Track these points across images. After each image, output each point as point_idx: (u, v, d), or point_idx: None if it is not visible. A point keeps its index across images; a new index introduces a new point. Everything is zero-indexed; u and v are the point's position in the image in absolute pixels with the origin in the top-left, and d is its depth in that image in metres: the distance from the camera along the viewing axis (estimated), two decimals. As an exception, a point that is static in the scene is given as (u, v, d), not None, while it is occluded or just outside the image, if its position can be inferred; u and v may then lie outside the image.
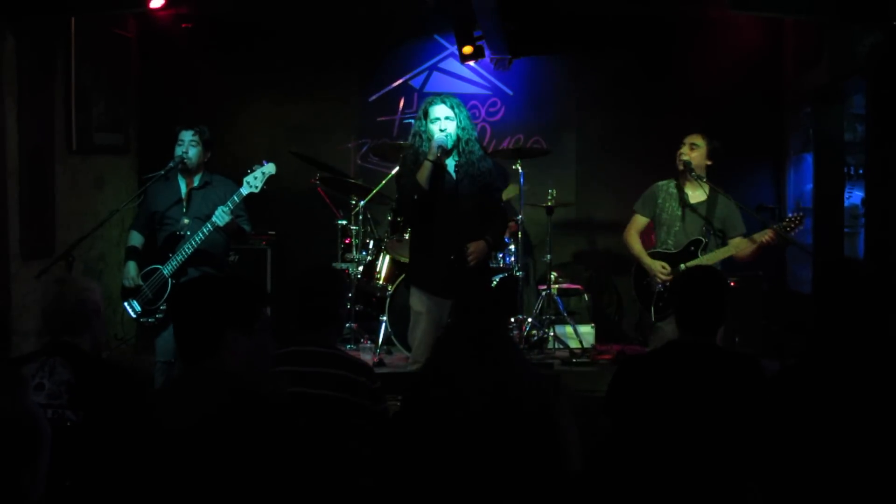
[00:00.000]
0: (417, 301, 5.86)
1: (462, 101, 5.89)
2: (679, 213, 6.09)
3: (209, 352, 2.99)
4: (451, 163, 5.80)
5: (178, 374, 3.32)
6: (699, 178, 6.07)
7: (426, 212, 5.75)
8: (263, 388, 3.06)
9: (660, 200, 6.18)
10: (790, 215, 5.99)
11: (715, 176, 6.22)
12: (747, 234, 5.99)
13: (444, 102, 5.75)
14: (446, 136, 5.67)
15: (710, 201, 6.06)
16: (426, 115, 5.78)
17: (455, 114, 5.73)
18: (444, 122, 5.70)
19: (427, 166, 5.63)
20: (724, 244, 6.01)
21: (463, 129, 5.76)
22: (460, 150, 5.77)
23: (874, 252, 6.64)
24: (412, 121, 6.49)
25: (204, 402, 2.85)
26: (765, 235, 5.87)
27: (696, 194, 6.12)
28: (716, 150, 6.16)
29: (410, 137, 5.94)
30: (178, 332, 3.06)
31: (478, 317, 3.66)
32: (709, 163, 6.16)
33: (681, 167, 6.11)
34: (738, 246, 5.94)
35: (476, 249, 5.77)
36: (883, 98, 6.37)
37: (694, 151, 6.10)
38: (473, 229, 5.80)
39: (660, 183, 6.26)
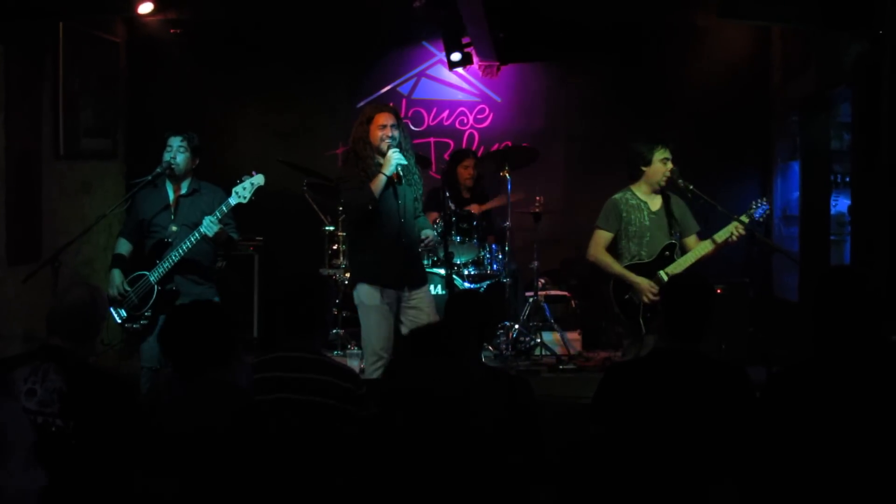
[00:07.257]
0: (366, 295, 5.92)
1: (450, 107, 6.00)
2: (647, 222, 6.09)
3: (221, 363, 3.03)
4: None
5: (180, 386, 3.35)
6: (686, 184, 6.08)
7: (376, 216, 5.90)
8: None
9: (624, 214, 6.15)
10: (752, 203, 6.03)
11: (699, 182, 6.23)
12: (708, 235, 6.04)
13: (389, 110, 5.96)
14: (400, 153, 5.81)
15: (666, 205, 6.10)
16: (370, 121, 5.91)
17: (398, 122, 5.93)
18: (389, 129, 5.85)
19: (382, 180, 5.78)
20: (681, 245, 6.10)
21: (404, 137, 5.98)
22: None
23: (860, 260, 6.66)
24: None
25: (214, 411, 2.87)
26: (725, 235, 5.91)
27: (655, 202, 6.15)
28: None
29: (353, 142, 6.00)
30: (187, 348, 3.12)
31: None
32: None
33: (668, 175, 6.09)
34: (704, 249, 5.99)
35: (431, 238, 6.15)
36: (869, 107, 6.40)
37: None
38: (415, 227, 6.06)
39: (615, 197, 6.21)
